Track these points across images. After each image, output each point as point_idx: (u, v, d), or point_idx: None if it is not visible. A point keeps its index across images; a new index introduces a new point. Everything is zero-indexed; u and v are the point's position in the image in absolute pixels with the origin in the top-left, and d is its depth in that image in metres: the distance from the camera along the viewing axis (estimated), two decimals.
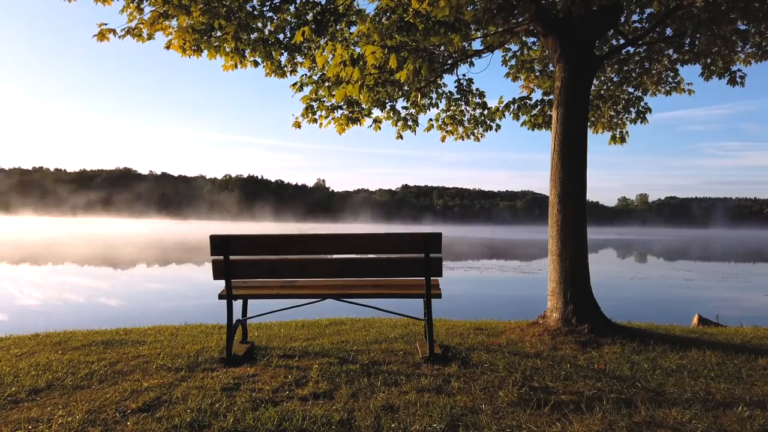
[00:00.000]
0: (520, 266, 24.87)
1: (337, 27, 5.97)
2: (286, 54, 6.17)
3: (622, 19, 6.09)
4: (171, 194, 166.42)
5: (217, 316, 5.37)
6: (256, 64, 6.01)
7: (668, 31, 5.96)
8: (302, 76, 6.51)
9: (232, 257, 3.93)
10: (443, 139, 7.69)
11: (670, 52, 6.35)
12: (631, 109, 7.13)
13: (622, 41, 6.09)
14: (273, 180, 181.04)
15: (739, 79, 6.08)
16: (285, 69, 6.35)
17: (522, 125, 7.17)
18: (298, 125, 6.65)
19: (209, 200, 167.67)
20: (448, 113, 7.49)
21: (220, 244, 3.89)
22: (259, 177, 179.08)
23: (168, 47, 5.48)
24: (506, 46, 6.84)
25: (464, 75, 7.13)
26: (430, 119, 7.50)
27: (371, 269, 4.07)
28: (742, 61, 6.11)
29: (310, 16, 5.85)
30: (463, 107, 7.42)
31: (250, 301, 4.48)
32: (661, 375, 3.68)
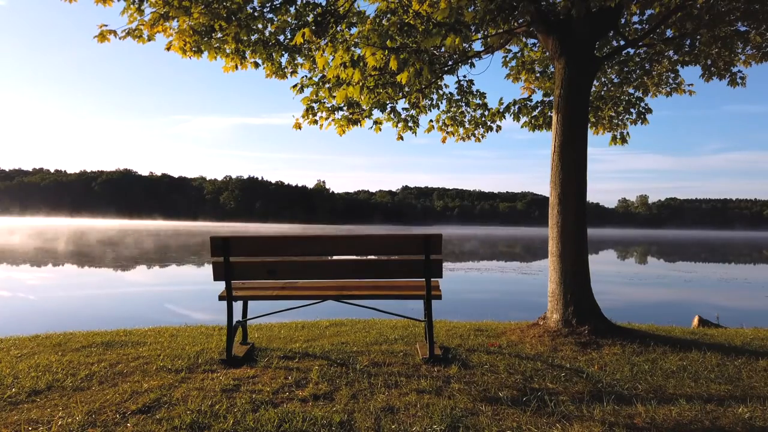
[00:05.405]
0: (520, 267, 24.85)
1: (338, 28, 5.96)
2: (286, 55, 6.17)
3: (623, 20, 6.10)
4: (171, 195, 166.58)
5: (217, 314, 5.36)
6: (256, 65, 6.01)
7: (668, 33, 5.96)
8: (303, 77, 6.50)
9: (232, 258, 3.93)
10: (444, 140, 7.68)
11: (671, 53, 6.35)
12: (632, 110, 7.12)
13: (622, 42, 6.10)
14: (273, 181, 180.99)
15: (739, 80, 6.08)
16: (285, 70, 6.35)
17: (522, 126, 7.18)
18: (298, 126, 6.65)
19: (209, 201, 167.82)
20: (448, 114, 7.49)
21: (220, 245, 3.89)
22: (259, 178, 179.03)
23: (168, 48, 5.48)
24: (507, 47, 6.84)
25: (465, 76, 7.15)
26: (431, 120, 7.49)
27: (371, 270, 4.07)
28: (743, 63, 6.11)
29: (310, 18, 5.85)
30: (463, 108, 7.41)
31: (250, 302, 4.48)
32: (661, 376, 3.68)
